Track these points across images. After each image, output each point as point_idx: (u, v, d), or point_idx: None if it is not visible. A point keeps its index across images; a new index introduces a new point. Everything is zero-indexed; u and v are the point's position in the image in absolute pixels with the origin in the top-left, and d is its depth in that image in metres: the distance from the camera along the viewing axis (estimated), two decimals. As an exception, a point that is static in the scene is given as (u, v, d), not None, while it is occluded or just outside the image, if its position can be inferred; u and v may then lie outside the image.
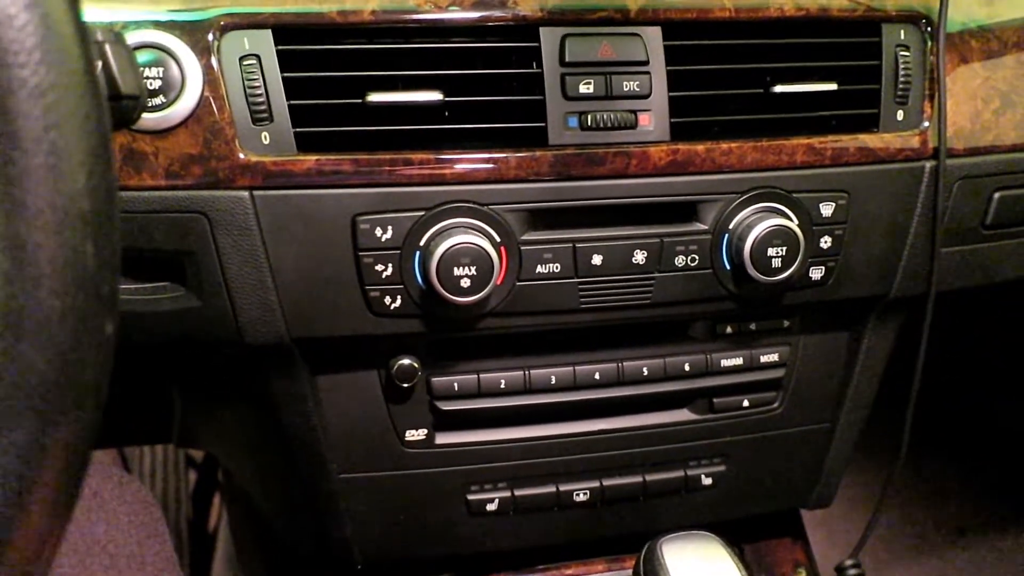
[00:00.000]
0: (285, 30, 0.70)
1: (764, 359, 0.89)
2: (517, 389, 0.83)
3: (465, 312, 0.75)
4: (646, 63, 0.75)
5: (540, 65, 0.74)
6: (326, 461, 0.84)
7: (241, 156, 0.69)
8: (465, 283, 0.71)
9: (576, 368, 0.84)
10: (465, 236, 0.71)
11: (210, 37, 0.68)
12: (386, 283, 0.73)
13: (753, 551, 1.11)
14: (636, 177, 0.76)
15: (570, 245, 0.76)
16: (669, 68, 0.76)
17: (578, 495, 0.90)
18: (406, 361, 0.79)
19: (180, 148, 0.69)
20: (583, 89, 0.74)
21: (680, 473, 0.92)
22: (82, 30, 0.38)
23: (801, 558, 1.11)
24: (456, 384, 0.82)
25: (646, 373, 0.85)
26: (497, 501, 0.88)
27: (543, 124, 0.74)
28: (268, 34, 0.69)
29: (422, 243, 0.72)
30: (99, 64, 0.55)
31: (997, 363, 1.66)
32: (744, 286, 0.80)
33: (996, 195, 0.87)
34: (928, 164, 0.83)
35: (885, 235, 0.84)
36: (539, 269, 0.76)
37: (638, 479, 0.90)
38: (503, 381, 0.83)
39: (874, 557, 1.49)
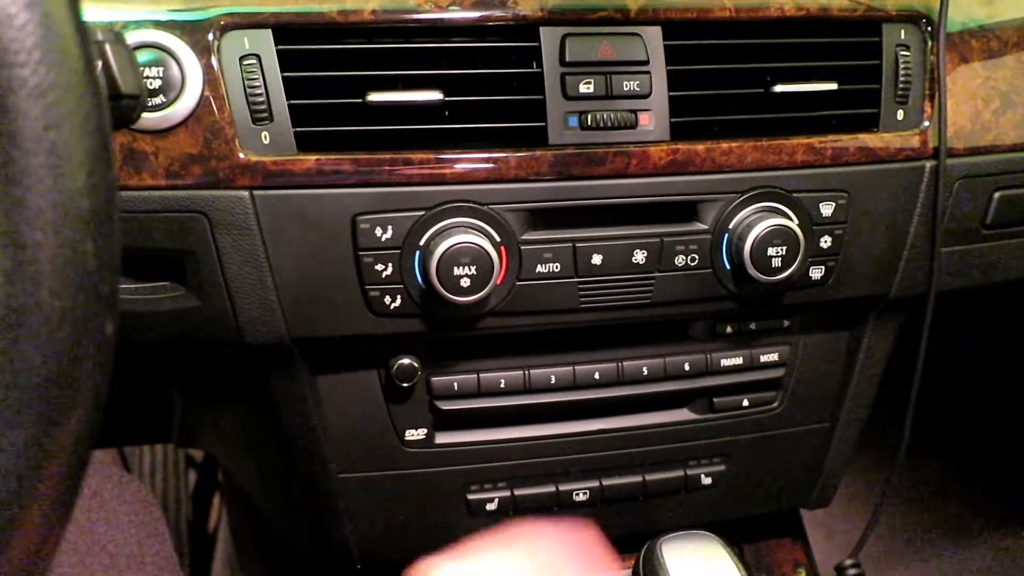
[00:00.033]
0: (285, 30, 0.70)
1: (764, 359, 0.89)
2: (517, 389, 0.83)
3: (465, 312, 0.75)
4: (646, 63, 0.75)
5: (540, 65, 0.74)
6: (326, 461, 0.84)
7: (241, 156, 0.69)
8: (465, 283, 0.71)
9: (576, 368, 0.84)
10: (465, 236, 0.71)
11: (210, 37, 0.68)
12: (386, 283, 0.73)
13: (753, 551, 1.11)
14: (636, 177, 0.76)
15: (570, 245, 0.76)
16: (669, 68, 0.76)
17: (578, 495, 0.90)
18: (406, 361, 0.79)
19: (180, 148, 0.69)
20: (583, 89, 0.74)
21: (680, 473, 0.92)
22: (82, 30, 0.38)
23: (801, 558, 1.11)
24: (456, 384, 0.82)
25: (646, 373, 0.85)
26: (497, 501, 0.88)
27: (543, 124, 0.74)
28: (268, 34, 0.69)
29: (422, 243, 0.72)
30: (99, 64, 0.55)
31: (997, 363, 1.66)
32: (744, 286, 0.80)
33: (996, 195, 0.87)
34: (928, 164, 0.83)
35: (885, 235, 0.84)
36: (539, 269, 0.76)
37: (638, 479, 0.90)
38: (503, 381, 0.83)
39: (874, 557, 1.49)
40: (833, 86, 0.80)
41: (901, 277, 0.86)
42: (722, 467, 0.93)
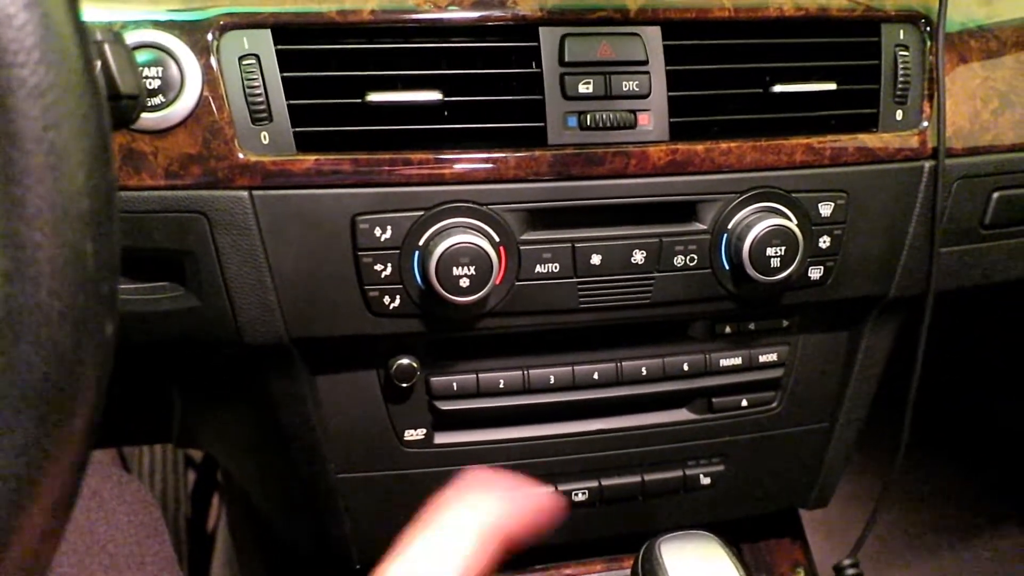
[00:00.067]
0: (284, 30, 0.70)
1: (763, 359, 0.89)
2: (516, 389, 0.83)
3: (464, 312, 0.75)
4: (645, 63, 0.75)
5: (539, 65, 0.74)
6: (325, 461, 0.84)
7: (240, 156, 0.69)
8: (464, 283, 0.71)
9: (575, 368, 0.84)
10: (464, 236, 0.71)
11: (209, 37, 0.68)
12: (385, 283, 0.73)
13: (752, 551, 1.11)
14: (635, 177, 0.76)
15: (569, 245, 0.76)
16: (668, 68, 0.76)
17: (577, 495, 0.90)
18: (405, 361, 0.80)
19: (179, 148, 0.69)
20: (582, 89, 0.74)
21: (679, 473, 0.92)
22: (81, 30, 0.38)
23: (800, 558, 1.11)
24: (455, 384, 0.82)
25: (645, 373, 0.85)
26: (496, 501, 0.88)
27: (542, 124, 0.74)
28: (267, 34, 0.69)
29: (421, 243, 0.72)
30: (98, 64, 0.55)
31: (997, 363, 1.66)
32: (743, 286, 0.80)
33: (995, 195, 0.87)
34: (927, 164, 0.83)
35: (884, 235, 0.84)
36: (538, 269, 0.76)
37: (637, 479, 0.90)
38: (502, 381, 0.83)
39: (873, 557, 1.49)
40: (832, 86, 0.80)
41: (900, 277, 0.86)
42: (721, 467, 0.93)
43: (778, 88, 0.79)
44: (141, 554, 0.85)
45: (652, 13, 0.75)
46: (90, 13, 0.66)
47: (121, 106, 0.56)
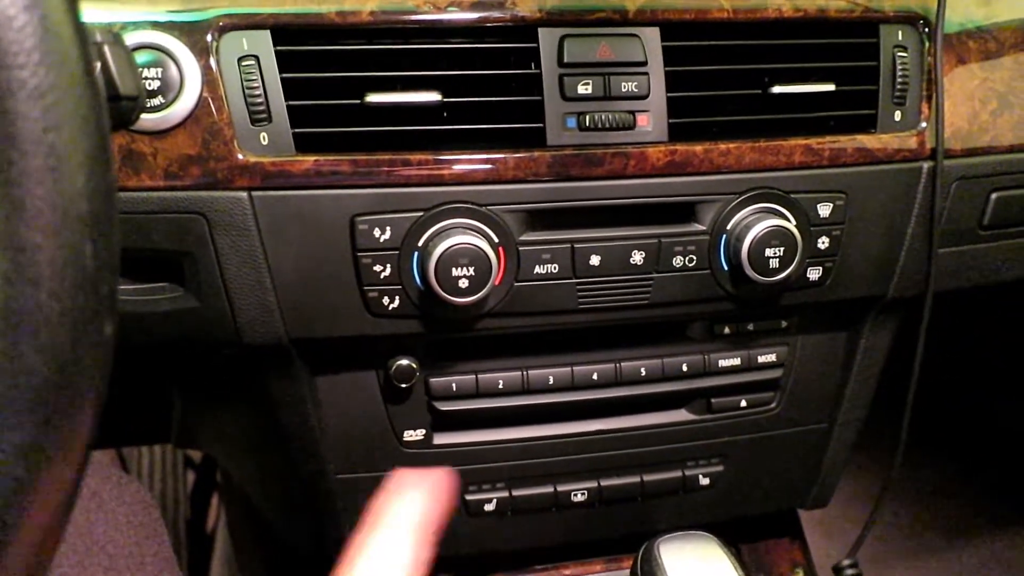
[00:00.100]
0: (284, 31, 0.70)
1: (762, 359, 0.89)
2: (515, 389, 0.83)
3: (463, 313, 0.75)
4: (644, 64, 0.75)
5: (539, 66, 0.74)
6: (324, 461, 0.84)
7: (240, 157, 0.69)
8: (463, 284, 0.71)
9: (574, 368, 0.84)
10: (463, 237, 0.71)
11: (208, 38, 0.68)
12: (384, 283, 0.73)
13: (751, 551, 1.11)
14: (634, 178, 0.76)
15: (568, 246, 0.76)
16: (667, 69, 0.76)
17: (576, 495, 0.90)
18: (404, 362, 0.80)
19: (179, 149, 0.69)
20: (581, 90, 0.74)
21: (678, 473, 0.92)
22: (81, 31, 0.38)
23: (799, 558, 1.12)
24: (454, 384, 0.82)
25: (644, 373, 0.86)
26: (495, 501, 0.88)
27: (541, 125, 0.74)
28: (267, 35, 0.69)
29: (420, 243, 0.72)
30: (98, 65, 0.55)
31: (997, 363, 1.66)
32: (742, 286, 0.80)
33: (993, 196, 0.87)
34: (925, 165, 0.83)
35: (883, 236, 0.84)
36: (537, 270, 0.76)
37: (636, 479, 0.91)
38: (501, 381, 0.83)
39: (872, 557, 1.49)
40: (831, 87, 0.80)
41: (899, 278, 0.86)
42: (720, 467, 0.93)
43: (777, 89, 0.79)
44: (140, 554, 0.85)
45: (651, 14, 0.75)
46: (89, 14, 0.66)
47: (121, 107, 0.56)
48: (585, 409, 0.87)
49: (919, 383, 0.93)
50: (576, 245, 0.76)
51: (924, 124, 0.83)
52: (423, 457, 0.85)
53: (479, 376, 0.82)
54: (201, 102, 0.68)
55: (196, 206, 0.69)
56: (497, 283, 0.74)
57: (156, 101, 0.67)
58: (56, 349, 0.36)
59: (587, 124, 0.74)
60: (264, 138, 0.70)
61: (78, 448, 0.38)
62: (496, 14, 0.72)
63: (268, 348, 0.75)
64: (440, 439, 0.85)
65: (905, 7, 0.82)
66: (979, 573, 1.55)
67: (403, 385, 0.80)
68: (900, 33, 0.82)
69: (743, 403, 0.91)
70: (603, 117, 0.74)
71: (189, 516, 1.63)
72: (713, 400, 0.89)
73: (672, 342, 0.87)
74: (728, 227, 0.79)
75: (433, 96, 0.72)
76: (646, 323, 0.83)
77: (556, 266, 0.76)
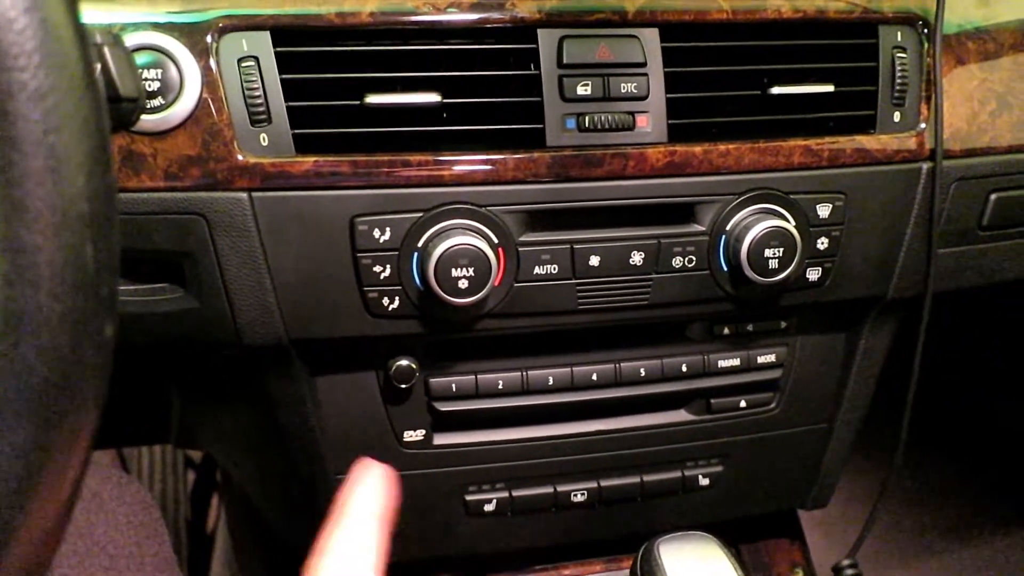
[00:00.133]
0: (283, 32, 0.70)
1: (761, 360, 0.89)
2: (515, 390, 0.83)
3: (463, 313, 0.75)
4: (644, 65, 0.75)
5: (538, 67, 0.74)
6: (324, 461, 0.84)
7: (239, 158, 0.69)
8: (463, 284, 0.71)
9: (574, 369, 0.84)
10: (463, 237, 0.71)
11: (208, 39, 0.68)
12: (384, 284, 0.73)
13: (750, 551, 1.11)
14: (634, 178, 0.76)
15: (568, 246, 0.76)
16: (667, 70, 0.76)
17: (576, 496, 0.90)
18: (404, 362, 0.80)
19: (179, 150, 0.69)
20: (581, 91, 0.74)
21: (677, 474, 0.92)
22: (81, 33, 0.38)
23: (798, 558, 1.12)
24: (454, 385, 0.82)
25: (643, 374, 0.86)
26: (495, 502, 0.88)
27: (541, 126, 0.74)
28: (266, 36, 0.70)
29: (420, 244, 0.73)
30: (98, 67, 0.55)
31: (997, 363, 1.66)
32: (741, 287, 0.80)
33: (992, 196, 0.87)
34: (925, 165, 0.83)
35: (882, 236, 0.84)
36: (537, 270, 0.76)
37: (635, 480, 0.91)
38: (501, 382, 0.83)
39: (872, 557, 1.49)
40: (830, 88, 0.80)
41: (898, 278, 0.86)
42: (720, 468, 0.93)
43: (776, 90, 0.79)
44: (140, 555, 0.85)
45: (650, 15, 0.75)
46: (89, 15, 0.66)
47: (121, 108, 0.56)
48: (585, 409, 0.87)
49: (919, 383, 0.93)
50: (576, 246, 0.76)
51: (923, 125, 0.83)
52: (423, 457, 0.85)
53: (479, 376, 0.83)
54: (201, 103, 0.68)
55: (196, 207, 0.69)
56: (497, 284, 0.74)
57: (156, 102, 0.67)
58: (56, 350, 0.36)
59: (586, 125, 0.74)
60: (264, 139, 0.70)
61: (79, 449, 0.38)
62: (496, 15, 0.73)
63: (268, 349, 0.75)
64: (440, 439, 0.85)
65: (904, 8, 0.82)
66: (979, 573, 1.55)
67: (403, 385, 0.80)
68: (899, 34, 0.82)
69: (743, 403, 0.91)
70: (602, 118, 0.74)
71: (189, 516, 1.63)
72: (713, 400, 0.89)
73: (672, 343, 0.87)
74: (727, 228, 0.79)
75: (433, 97, 0.72)
76: (646, 324, 0.83)
77: (556, 267, 0.76)
